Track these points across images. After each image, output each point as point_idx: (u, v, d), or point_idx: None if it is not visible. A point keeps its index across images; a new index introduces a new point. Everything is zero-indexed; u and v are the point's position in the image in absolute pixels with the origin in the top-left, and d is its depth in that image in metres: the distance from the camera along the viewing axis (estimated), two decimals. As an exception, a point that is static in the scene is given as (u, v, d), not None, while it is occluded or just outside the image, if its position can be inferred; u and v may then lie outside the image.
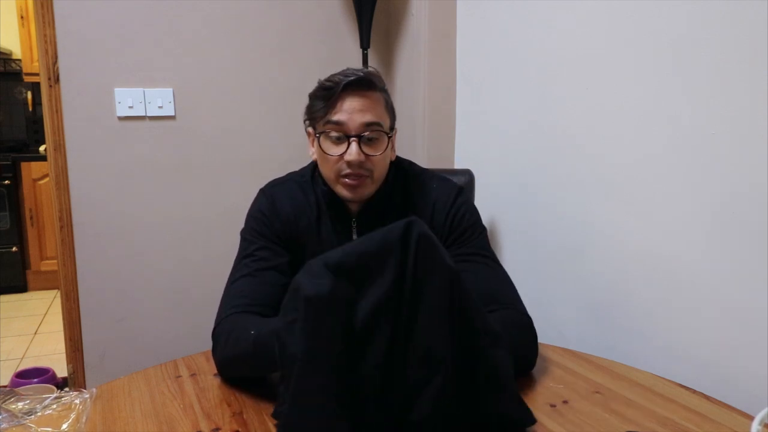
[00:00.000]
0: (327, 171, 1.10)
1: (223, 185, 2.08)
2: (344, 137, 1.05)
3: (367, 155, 1.06)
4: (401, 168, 1.18)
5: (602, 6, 1.39)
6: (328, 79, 1.07)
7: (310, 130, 1.12)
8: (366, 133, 1.05)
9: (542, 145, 1.62)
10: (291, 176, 1.21)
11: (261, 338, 0.91)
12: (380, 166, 1.09)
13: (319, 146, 1.08)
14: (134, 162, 1.97)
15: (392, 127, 1.12)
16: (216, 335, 1.04)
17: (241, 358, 0.97)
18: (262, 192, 1.18)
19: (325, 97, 1.06)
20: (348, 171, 1.06)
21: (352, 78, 1.04)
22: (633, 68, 1.32)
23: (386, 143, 1.08)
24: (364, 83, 1.06)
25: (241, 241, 1.15)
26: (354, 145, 1.04)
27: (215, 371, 1.08)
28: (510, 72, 1.73)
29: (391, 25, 2.19)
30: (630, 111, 1.34)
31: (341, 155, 1.05)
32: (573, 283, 1.54)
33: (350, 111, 1.05)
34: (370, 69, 1.09)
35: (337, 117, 1.05)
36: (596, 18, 1.41)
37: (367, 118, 1.05)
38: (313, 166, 1.17)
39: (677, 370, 1.22)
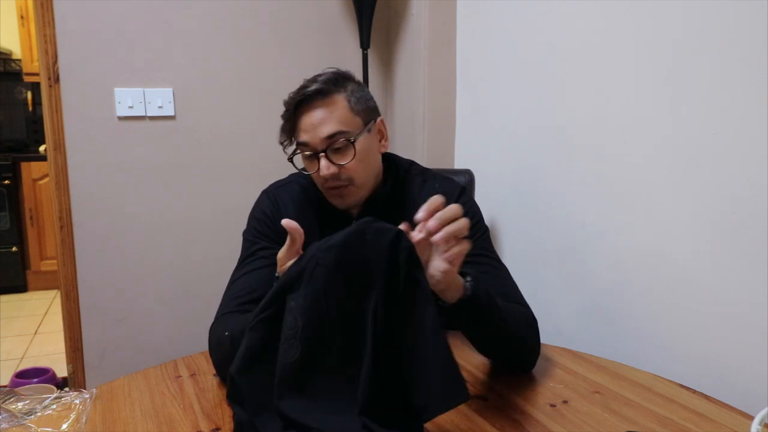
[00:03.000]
0: (317, 185, 1.12)
1: (223, 185, 2.08)
2: (313, 155, 1.06)
3: (339, 165, 1.05)
4: (402, 168, 1.18)
5: (603, 6, 1.39)
6: (287, 100, 1.07)
7: (289, 150, 1.11)
8: (332, 145, 1.04)
9: (542, 144, 1.62)
10: (293, 178, 1.20)
11: (236, 336, 0.91)
12: (359, 171, 1.07)
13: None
14: (134, 162, 1.97)
15: (368, 121, 1.09)
16: (209, 335, 1.05)
17: (226, 359, 0.96)
18: (266, 193, 1.18)
19: (286, 118, 1.07)
20: (326, 185, 1.07)
21: (302, 94, 1.04)
22: (633, 68, 1.32)
23: (354, 148, 1.05)
24: (318, 94, 1.04)
25: (243, 241, 1.15)
26: (323, 161, 1.05)
27: (215, 371, 1.08)
28: (510, 72, 1.73)
29: (391, 25, 2.19)
30: (630, 111, 1.34)
31: (317, 172, 1.07)
32: (573, 283, 1.54)
33: (310, 129, 1.04)
34: (327, 72, 1.06)
35: (301, 138, 1.06)
36: (596, 18, 1.41)
37: (327, 130, 1.04)
38: None
39: (677, 370, 1.22)
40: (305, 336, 0.80)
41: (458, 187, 1.17)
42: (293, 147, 1.10)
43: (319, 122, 1.04)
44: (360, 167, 1.07)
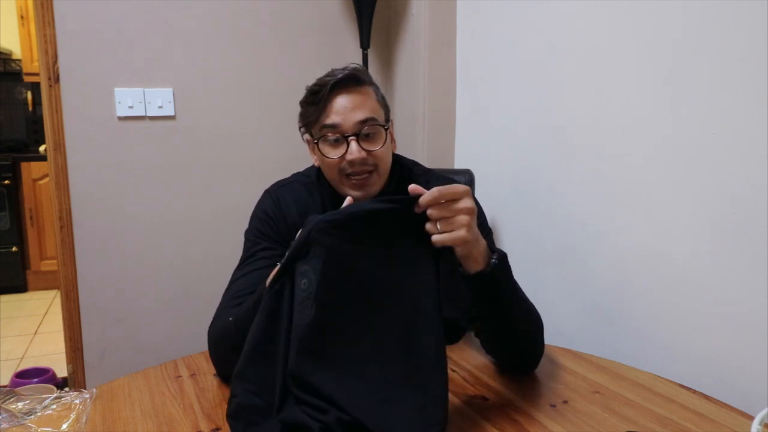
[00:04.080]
0: (331, 174, 1.09)
1: (223, 185, 2.08)
2: (342, 138, 1.04)
3: (368, 151, 1.04)
4: (406, 168, 1.18)
5: (603, 6, 1.39)
6: (315, 84, 1.06)
7: (307, 137, 1.11)
8: (363, 130, 1.04)
9: (542, 144, 1.62)
10: (296, 177, 1.20)
11: (241, 318, 0.93)
12: (383, 160, 1.08)
13: (319, 152, 1.07)
14: (134, 162, 1.97)
15: (388, 119, 1.11)
16: (210, 332, 1.05)
17: (229, 345, 0.97)
18: (268, 193, 1.18)
19: (314, 101, 1.05)
20: (351, 170, 1.05)
21: (339, 76, 1.03)
22: (633, 68, 1.32)
23: (385, 136, 1.07)
24: (352, 80, 1.05)
25: (244, 241, 1.15)
26: (353, 144, 1.03)
27: (215, 371, 1.08)
28: (510, 72, 1.73)
29: (391, 25, 2.19)
30: (630, 111, 1.34)
31: (342, 156, 1.04)
32: (573, 283, 1.54)
33: (343, 111, 1.03)
34: (354, 65, 1.08)
35: (331, 120, 1.04)
36: (596, 18, 1.41)
37: (361, 115, 1.04)
38: (318, 166, 1.16)
39: (677, 370, 1.22)
40: (320, 297, 0.81)
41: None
42: (307, 134, 1.10)
43: (354, 106, 1.04)
44: (385, 156, 1.08)
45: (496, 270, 0.91)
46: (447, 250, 0.87)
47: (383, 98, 1.11)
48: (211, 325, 1.06)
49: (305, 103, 1.08)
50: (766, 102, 1.05)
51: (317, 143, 1.07)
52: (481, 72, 1.89)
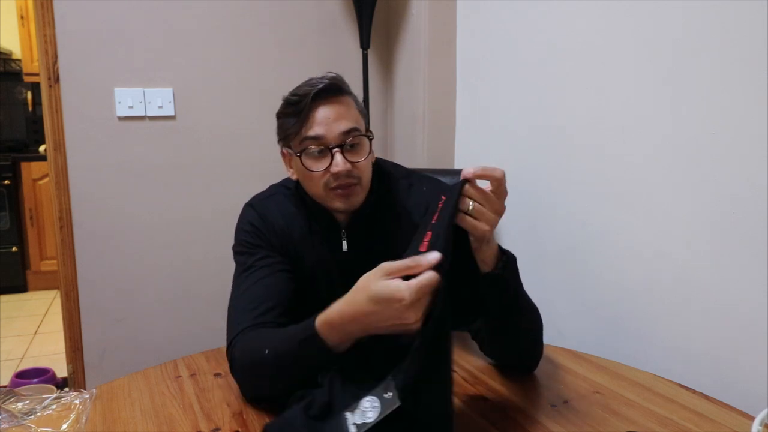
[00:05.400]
0: (314, 188, 1.05)
1: (223, 185, 2.08)
2: (326, 150, 1.01)
3: (352, 163, 1.02)
4: (385, 172, 1.15)
5: (603, 6, 1.39)
6: (293, 93, 1.03)
7: (286, 150, 1.07)
8: (347, 141, 1.01)
9: (542, 144, 1.62)
10: (277, 189, 1.16)
11: (281, 350, 0.90)
12: (367, 171, 1.06)
13: (302, 165, 1.03)
14: (134, 162, 1.97)
15: (368, 128, 1.07)
16: (231, 355, 0.98)
17: (264, 375, 0.93)
18: (250, 206, 1.13)
19: (294, 112, 1.02)
20: (336, 183, 1.02)
21: (320, 86, 1.00)
22: (633, 68, 1.32)
23: (368, 147, 1.05)
24: (333, 89, 1.02)
25: (235, 257, 1.10)
26: (338, 156, 1.00)
27: (215, 371, 1.08)
28: (510, 72, 1.73)
29: (391, 25, 2.19)
30: (630, 111, 1.34)
31: (326, 169, 1.01)
32: (573, 283, 1.54)
33: (326, 122, 1.00)
34: (332, 74, 1.04)
35: (313, 131, 1.01)
36: (596, 18, 1.41)
37: (345, 125, 1.01)
38: (296, 180, 1.12)
39: (677, 370, 1.22)
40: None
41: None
42: (286, 147, 1.07)
43: (337, 116, 1.01)
44: (368, 168, 1.06)
45: (505, 273, 0.92)
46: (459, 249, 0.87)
47: (363, 108, 1.09)
48: (234, 345, 0.97)
49: (283, 115, 1.05)
50: (766, 102, 1.05)
51: (300, 156, 1.03)
52: (481, 72, 1.89)
